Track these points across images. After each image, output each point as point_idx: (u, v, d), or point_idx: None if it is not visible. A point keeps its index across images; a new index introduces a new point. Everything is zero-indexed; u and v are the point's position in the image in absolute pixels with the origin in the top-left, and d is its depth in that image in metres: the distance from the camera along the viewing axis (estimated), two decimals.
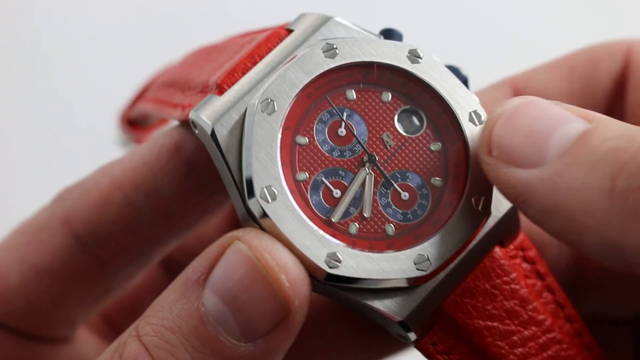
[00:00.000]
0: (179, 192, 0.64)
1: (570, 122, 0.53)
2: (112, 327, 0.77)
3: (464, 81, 0.61)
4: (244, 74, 0.60)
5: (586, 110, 0.54)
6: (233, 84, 0.59)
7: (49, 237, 0.66)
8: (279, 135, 0.58)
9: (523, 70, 0.72)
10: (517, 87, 0.72)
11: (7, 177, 1.15)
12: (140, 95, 0.85)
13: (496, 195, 0.59)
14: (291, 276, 0.55)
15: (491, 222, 0.59)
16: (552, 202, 0.52)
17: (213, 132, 0.58)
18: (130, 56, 1.21)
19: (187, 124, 0.61)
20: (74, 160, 1.11)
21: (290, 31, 0.61)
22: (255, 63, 0.60)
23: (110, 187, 0.65)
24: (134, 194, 0.64)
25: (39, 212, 0.68)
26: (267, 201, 0.56)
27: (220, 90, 0.59)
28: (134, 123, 0.96)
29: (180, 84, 0.67)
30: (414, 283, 0.57)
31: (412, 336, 0.58)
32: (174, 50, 1.16)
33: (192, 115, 0.59)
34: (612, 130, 0.52)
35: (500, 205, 0.60)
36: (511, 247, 0.61)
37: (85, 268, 0.67)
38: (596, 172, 0.50)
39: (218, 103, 0.59)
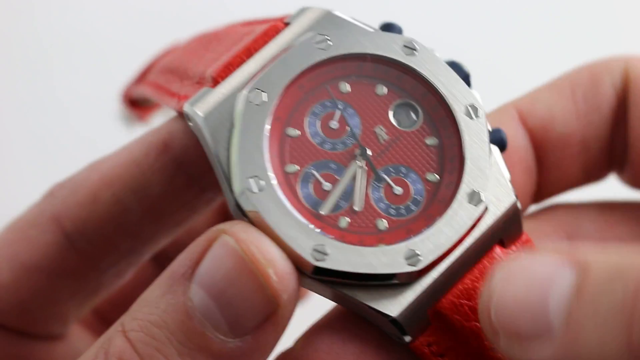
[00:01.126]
0: (167, 190, 0.64)
1: (560, 275, 0.50)
2: (105, 322, 0.77)
3: (465, 77, 0.60)
4: (239, 67, 0.60)
5: (569, 251, 0.51)
6: (227, 77, 0.59)
7: (38, 234, 0.66)
8: (267, 126, 0.57)
9: (525, 92, 0.70)
10: (522, 110, 0.70)
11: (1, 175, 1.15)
12: (143, 76, 0.83)
13: (495, 191, 0.58)
14: (279, 270, 0.54)
15: (490, 220, 0.58)
16: None
17: (204, 124, 0.58)
18: (120, 51, 1.21)
19: (181, 116, 0.61)
20: (65, 157, 1.11)
21: (288, 25, 0.61)
22: (250, 56, 0.60)
23: (99, 184, 0.65)
24: (122, 192, 0.64)
25: (29, 209, 0.68)
26: (253, 192, 0.56)
27: (215, 83, 0.59)
28: (136, 102, 0.96)
29: (180, 71, 0.67)
30: (405, 279, 0.56)
31: (407, 337, 0.57)
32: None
33: (185, 108, 0.59)
34: (604, 272, 0.48)
35: (499, 202, 0.58)
36: (513, 247, 0.59)
37: (75, 265, 0.66)
38: (608, 329, 0.47)
39: (211, 96, 0.59)
